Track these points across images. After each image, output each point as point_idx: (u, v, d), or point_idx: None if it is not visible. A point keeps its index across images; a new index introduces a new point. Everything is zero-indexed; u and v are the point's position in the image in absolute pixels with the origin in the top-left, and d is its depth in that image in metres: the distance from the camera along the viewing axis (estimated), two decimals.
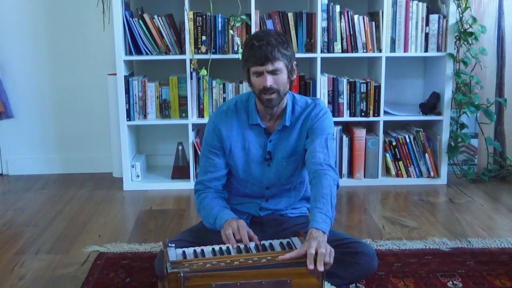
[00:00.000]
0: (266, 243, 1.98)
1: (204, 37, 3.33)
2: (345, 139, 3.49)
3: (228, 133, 2.15)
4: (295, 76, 2.10)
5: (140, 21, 3.33)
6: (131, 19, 3.33)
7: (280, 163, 2.14)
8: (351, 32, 3.37)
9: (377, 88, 3.43)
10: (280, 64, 1.99)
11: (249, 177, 2.18)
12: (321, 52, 3.37)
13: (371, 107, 3.44)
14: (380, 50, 3.41)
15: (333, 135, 2.15)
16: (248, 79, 2.07)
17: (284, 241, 1.98)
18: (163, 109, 3.46)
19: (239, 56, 3.29)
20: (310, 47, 3.40)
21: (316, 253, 1.73)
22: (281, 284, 1.72)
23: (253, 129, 2.15)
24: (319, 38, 3.34)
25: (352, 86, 3.44)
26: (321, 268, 1.71)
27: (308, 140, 2.11)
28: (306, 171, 2.15)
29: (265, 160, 2.16)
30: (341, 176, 3.51)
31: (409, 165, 3.53)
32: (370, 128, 3.60)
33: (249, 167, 2.16)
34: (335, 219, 2.03)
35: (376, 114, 3.45)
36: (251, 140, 2.15)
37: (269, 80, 1.99)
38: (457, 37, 3.42)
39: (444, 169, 3.53)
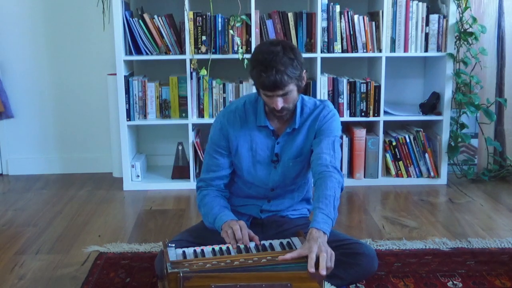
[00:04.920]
0: (266, 243, 1.98)
1: (204, 37, 3.33)
2: (345, 139, 3.48)
3: (236, 133, 2.13)
4: (304, 83, 2.05)
5: (140, 21, 3.33)
6: (131, 19, 3.33)
7: (286, 164, 2.13)
8: (351, 32, 3.37)
9: (377, 88, 3.43)
10: (290, 87, 1.96)
11: (254, 178, 2.17)
12: (321, 52, 3.36)
13: (371, 107, 3.44)
14: (380, 50, 3.41)
15: (341, 138, 2.13)
16: (258, 91, 2.04)
17: (284, 241, 1.99)
18: (163, 109, 3.46)
19: (239, 56, 3.29)
20: (310, 47, 3.40)
21: (318, 257, 1.73)
22: None
23: (261, 130, 2.14)
24: (319, 38, 3.34)
25: (352, 86, 3.43)
26: (323, 272, 1.71)
27: (315, 141, 2.10)
28: (310, 173, 2.15)
29: (272, 162, 2.15)
30: None
31: (409, 165, 3.52)
32: (370, 128, 3.60)
33: (255, 169, 2.15)
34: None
35: (376, 114, 3.45)
36: (259, 141, 2.14)
37: (280, 103, 1.98)
38: (457, 37, 3.42)
39: (444, 169, 3.53)
